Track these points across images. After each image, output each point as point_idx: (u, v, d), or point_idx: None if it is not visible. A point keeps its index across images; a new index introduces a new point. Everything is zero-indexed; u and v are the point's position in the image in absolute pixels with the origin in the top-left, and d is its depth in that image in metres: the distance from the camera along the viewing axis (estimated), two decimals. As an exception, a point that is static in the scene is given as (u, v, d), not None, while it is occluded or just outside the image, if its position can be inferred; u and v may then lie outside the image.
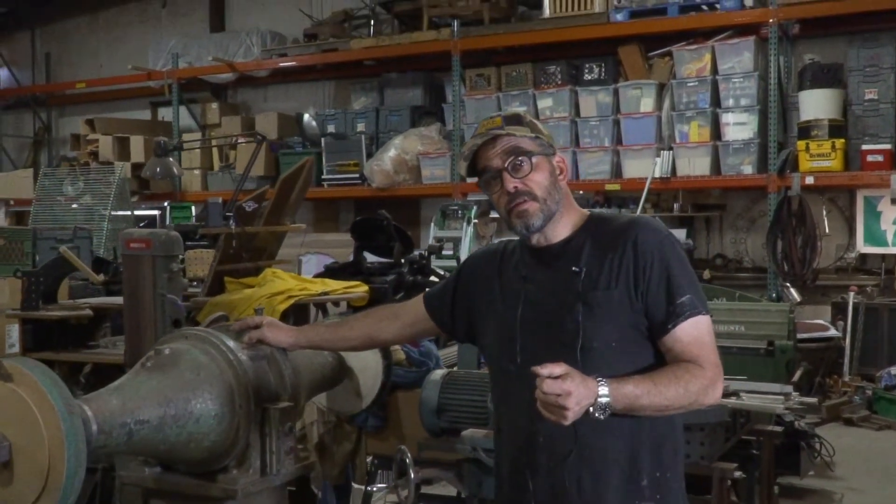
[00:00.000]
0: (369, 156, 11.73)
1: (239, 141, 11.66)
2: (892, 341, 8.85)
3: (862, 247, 9.91)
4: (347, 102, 13.00)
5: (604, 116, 10.47)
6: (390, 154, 11.37)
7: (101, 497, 4.61)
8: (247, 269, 5.43)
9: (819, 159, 9.40)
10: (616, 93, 10.45)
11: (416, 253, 6.76)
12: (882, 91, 9.36)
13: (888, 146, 9.29)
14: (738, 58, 9.89)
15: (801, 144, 9.52)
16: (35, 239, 7.34)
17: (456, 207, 10.34)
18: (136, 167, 12.30)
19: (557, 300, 2.52)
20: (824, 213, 10.03)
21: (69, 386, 4.94)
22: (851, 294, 9.04)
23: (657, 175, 9.93)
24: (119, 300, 4.84)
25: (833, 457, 6.47)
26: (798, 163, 9.57)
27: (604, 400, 2.28)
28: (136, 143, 13.04)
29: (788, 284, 9.49)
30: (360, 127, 12.17)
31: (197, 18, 14.73)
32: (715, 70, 9.98)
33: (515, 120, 2.58)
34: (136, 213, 12.20)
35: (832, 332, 8.84)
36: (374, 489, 4.05)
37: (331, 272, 6.49)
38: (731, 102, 9.91)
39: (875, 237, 9.77)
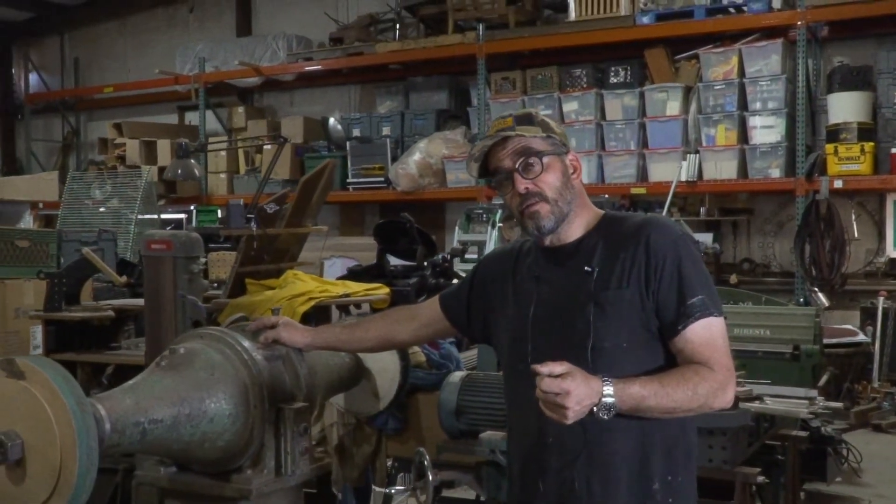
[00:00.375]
0: (394, 159, 11.73)
1: (265, 145, 11.68)
2: (922, 347, 8.74)
3: (892, 251, 9.80)
4: (373, 106, 13.01)
5: (630, 120, 10.41)
6: (415, 158, 11.36)
7: (121, 498, 4.61)
8: (268, 271, 5.42)
9: (848, 163, 9.30)
10: (642, 96, 10.39)
11: (439, 256, 6.74)
12: (912, 93, 9.25)
13: (918, 149, 9.17)
14: (766, 60, 9.80)
15: (829, 148, 9.42)
16: (60, 241, 7.37)
17: (481, 211, 10.31)
18: (163, 171, 12.33)
19: (569, 300, 2.50)
20: (853, 217, 9.92)
21: (91, 387, 4.96)
22: (881, 299, 8.92)
23: (683, 179, 9.86)
24: (141, 302, 4.84)
25: (860, 463, 6.39)
26: (826, 166, 9.46)
27: (608, 400, 2.25)
28: (163, 147, 13.11)
29: (816, 289, 9.39)
30: (386, 131, 12.17)
31: (224, 23, 14.80)
32: (742, 73, 9.89)
33: (527, 119, 2.56)
34: (163, 216, 12.27)
35: (861, 337, 8.73)
36: (393, 491, 4.03)
37: (354, 275, 6.48)
38: (758, 105, 9.81)
39: (905, 241, 9.66)
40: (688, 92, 10.24)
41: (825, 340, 6.86)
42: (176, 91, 14.03)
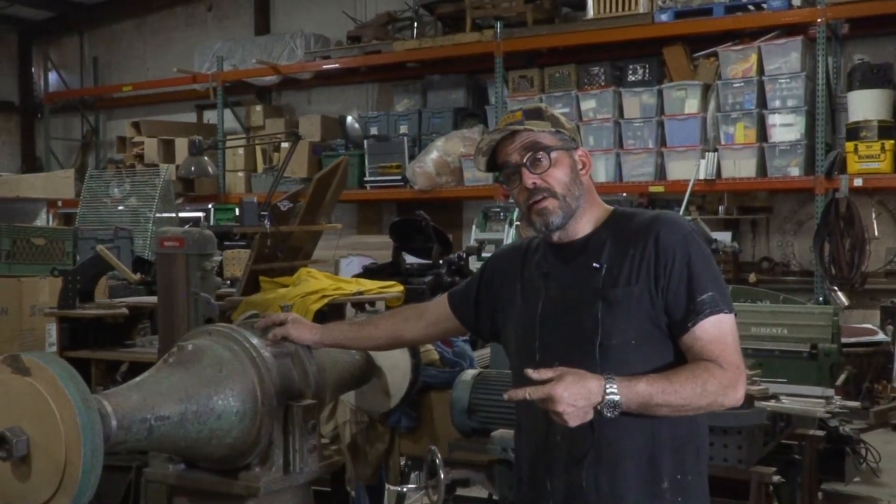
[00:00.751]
0: (412, 158, 11.71)
1: (280, 142, 11.68)
2: (944, 347, 8.65)
3: (912, 250, 9.72)
4: (390, 104, 13.00)
5: (648, 118, 10.36)
6: (432, 156, 11.33)
7: (134, 495, 4.61)
8: (282, 269, 5.42)
9: (868, 161, 9.22)
10: (660, 94, 10.33)
11: (455, 254, 6.72)
12: (933, 91, 9.18)
13: (939, 147, 9.09)
14: (785, 58, 9.72)
15: (849, 146, 9.35)
16: (76, 239, 7.40)
17: (498, 209, 10.29)
18: (181, 169, 12.39)
19: (577, 297, 2.47)
20: (873, 215, 9.85)
21: (106, 384, 4.96)
22: (901, 298, 8.86)
23: (702, 177, 9.79)
24: (156, 299, 4.85)
25: (879, 463, 6.33)
26: (846, 164, 9.39)
27: (612, 398, 2.22)
28: (181, 146, 13.12)
29: (836, 288, 9.31)
30: (403, 129, 12.15)
31: (242, 22, 14.82)
32: (761, 71, 9.82)
33: (536, 114, 2.53)
34: (181, 214, 12.31)
35: (881, 336, 8.64)
36: (405, 489, 4.00)
37: (369, 273, 6.48)
38: (777, 103, 9.74)
39: (926, 240, 9.58)
40: (706, 90, 10.17)
41: (844, 340, 6.79)
42: (194, 90, 14.07)
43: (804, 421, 4.53)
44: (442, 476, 3.22)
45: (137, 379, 2.70)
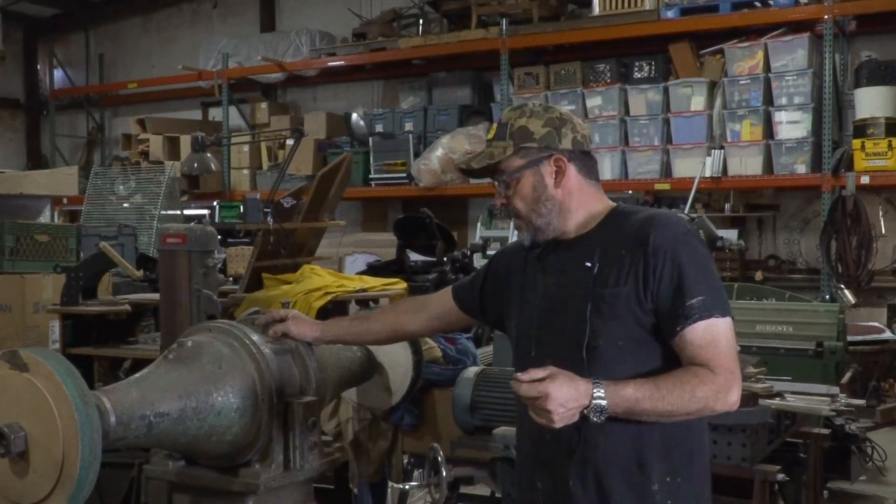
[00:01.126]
0: (417, 155, 11.68)
1: (285, 139, 11.67)
2: (951, 345, 8.61)
3: (920, 248, 9.68)
4: (396, 102, 12.97)
5: (653, 115, 10.32)
6: (438, 153, 11.30)
7: (136, 493, 4.60)
8: (285, 266, 5.40)
9: (875, 158, 9.17)
10: (666, 91, 10.29)
11: (459, 252, 6.71)
12: (941, 88, 9.13)
13: (947, 145, 9.05)
14: (792, 55, 9.68)
15: (856, 143, 9.30)
16: (79, 236, 7.38)
17: (503, 207, 10.24)
18: (188, 167, 12.36)
19: (570, 295, 2.45)
20: (880, 213, 9.80)
21: (109, 381, 4.95)
22: (908, 296, 8.82)
23: (708, 174, 9.76)
24: (158, 296, 4.83)
25: (885, 461, 6.30)
26: (853, 162, 9.34)
27: (599, 402, 2.21)
28: (186, 143, 13.05)
29: (843, 286, 9.28)
30: (408, 126, 12.11)
31: (247, 19, 14.80)
32: (768, 68, 9.77)
33: (500, 134, 2.54)
34: (186, 212, 12.30)
35: (887, 334, 8.60)
36: (408, 487, 4.00)
37: (373, 270, 6.47)
38: (784, 100, 9.69)
39: (933, 238, 9.53)
40: (713, 87, 10.13)
41: (850, 338, 6.76)
42: (199, 87, 14.04)
43: (809, 419, 4.51)
44: (444, 473, 3.21)
45: (137, 375, 2.70)
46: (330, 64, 12.99)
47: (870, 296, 9.65)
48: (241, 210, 12.00)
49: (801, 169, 9.60)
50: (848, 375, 5.70)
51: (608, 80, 10.68)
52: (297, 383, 2.89)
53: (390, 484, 4.63)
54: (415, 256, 6.81)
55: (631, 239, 2.40)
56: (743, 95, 9.85)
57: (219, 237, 5.60)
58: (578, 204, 2.52)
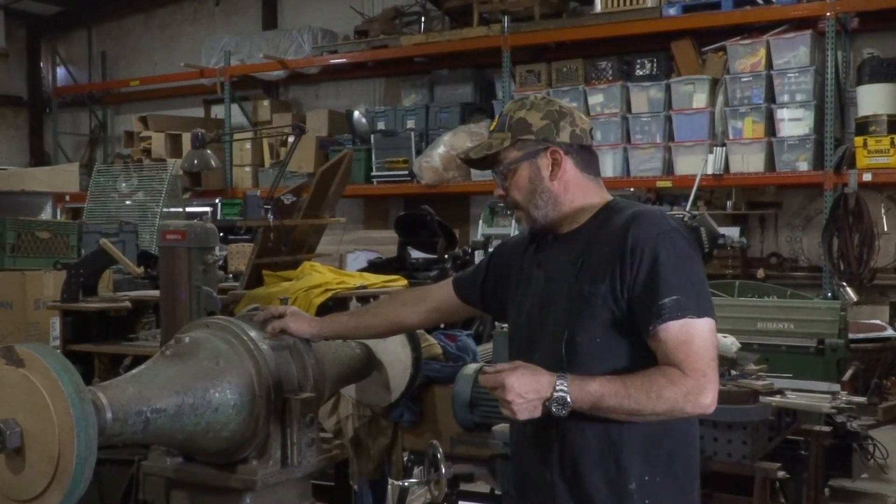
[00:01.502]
0: (419, 153, 11.67)
1: (286, 136, 11.65)
2: (953, 342, 8.59)
3: (922, 246, 9.66)
4: (397, 99, 12.97)
5: (655, 112, 10.29)
6: (439, 151, 11.29)
7: (136, 489, 4.60)
8: (285, 263, 5.40)
9: (877, 155, 9.15)
10: (668, 88, 10.26)
11: (460, 249, 6.71)
12: (943, 86, 9.10)
13: (949, 142, 9.03)
14: (794, 52, 9.65)
15: (858, 140, 9.28)
16: (81, 233, 7.38)
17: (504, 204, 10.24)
18: (190, 165, 12.35)
19: (557, 290, 2.46)
20: (883, 210, 9.79)
21: (109, 378, 4.95)
22: (910, 294, 8.81)
23: (710, 172, 9.74)
24: (158, 293, 4.83)
25: (887, 459, 6.28)
26: (855, 159, 9.32)
27: (562, 395, 2.22)
28: (189, 141, 13.06)
29: (845, 284, 9.24)
30: (410, 124, 12.10)
31: (249, 17, 14.80)
32: (770, 65, 9.74)
33: (500, 125, 2.56)
34: (188, 209, 12.30)
35: (889, 332, 8.57)
36: (406, 484, 3.99)
37: (374, 267, 6.47)
38: (786, 98, 9.67)
39: (936, 236, 9.51)
40: (715, 84, 10.11)
41: (853, 335, 6.74)
42: (202, 84, 14.02)
43: (810, 416, 4.49)
44: (443, 470, 3.20)
45: (134, 371, 2.70)
46: (332, 61, 12.98)
47: (872, 293, 9.64)
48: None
49: (804, 166, 9.58)
50: (849, 373, 5.68)
51: (610, 78, 10.67)
52: (295, 379, 2.88)
53: (390, 481, 4.62)
54: (416, 254, 6.81)
55: (613, 236, 2.39)
56: (745, 93, 9.83)
57: (221, 234, 5.61)
58: (574, 197, 2.51)
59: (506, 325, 2.96)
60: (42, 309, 6.57)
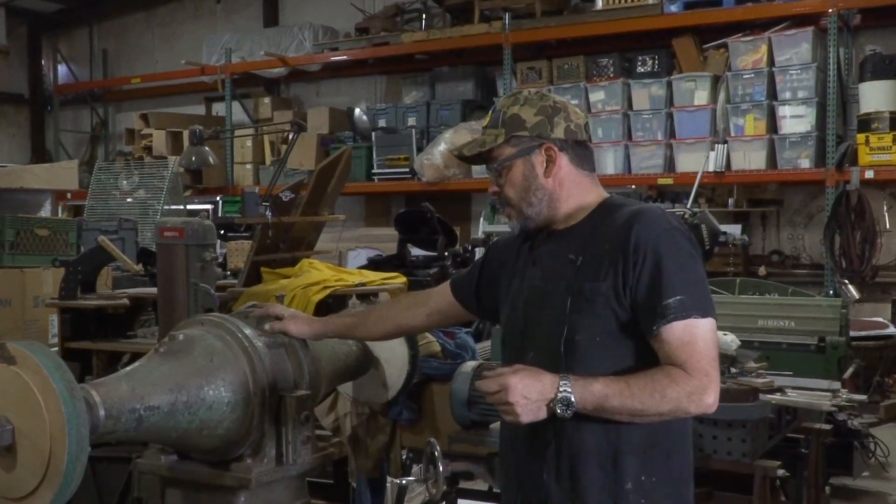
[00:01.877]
0: (420, 150, 11.65)
1: (285, 133, 11.64)
2: (955, 340, 8.57)
3: (924, 243, 9.63)
4: (398, 96, 12.95)
5: (657, 109, 10.26)
6: (440, 148, 11.26)
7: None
8: (284, 260, 5.37)
9: (879, 153, 9.13)
10: (670, 85, 10.23)
11: (460, 246, 6.69)
12: (946, 82, 9.07)
13: (952, 139, 8.99)
14: (796, 49, 9.62)
15: (860, 137, 9.25)
16: (80, 230, 7.36)
17: (506, 202, 10.21)
18: (191, 162, 12.34)
19: (553, 288, 2.42)
20: (885, 208, 9.76)
21: (107, 375, 4.94)
22: (913, 291, 8.78)
23: (711, 169, 9.71)
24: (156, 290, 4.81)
25: (888, 457, 6.27)
26: (857, 156, 9.29)
27: (566, 395, 2.19)
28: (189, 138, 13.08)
29: (846, 281, 9.23)
30: (411, 121, 12.08)
31: (250, 14, 14.79)
32: (771, 62, 9.71)
33: (494, 121, 2.51)
34: (189, 206, 12.29)
35: (891, 329, 8.56)
36: (404, 481, 3.97)
37: (374, 264, 6.46)
38: (788, 95, 9.64)
39: (938, 233, 9.48)
40: (716, 81, 10.08)
41: (854, 333, 6.73)
42: (203, 82, 14.01)
43: (810, 414, 4.48)
44: (441, 469, 3.18)
45: (127, 369, 2.68)
46: (333, 59, 12.97)
47: (874, 291, 9.62)
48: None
49: (805, 163, 9.56)
50: (850, 371, 5.65)
51: (611, 75, 10.64)
52: (291, 377, 2.86)
53: (389, 479, 4.61)
54: (416, 251, 6.79)
55: (614, 233, 2.36)
56: (746, 90, 9.80)
57: (220, 231, 5.59)
58: (569, 194, 2.48)
59: (503, 325, 2.94)
60: (41, 306, 6.56)
